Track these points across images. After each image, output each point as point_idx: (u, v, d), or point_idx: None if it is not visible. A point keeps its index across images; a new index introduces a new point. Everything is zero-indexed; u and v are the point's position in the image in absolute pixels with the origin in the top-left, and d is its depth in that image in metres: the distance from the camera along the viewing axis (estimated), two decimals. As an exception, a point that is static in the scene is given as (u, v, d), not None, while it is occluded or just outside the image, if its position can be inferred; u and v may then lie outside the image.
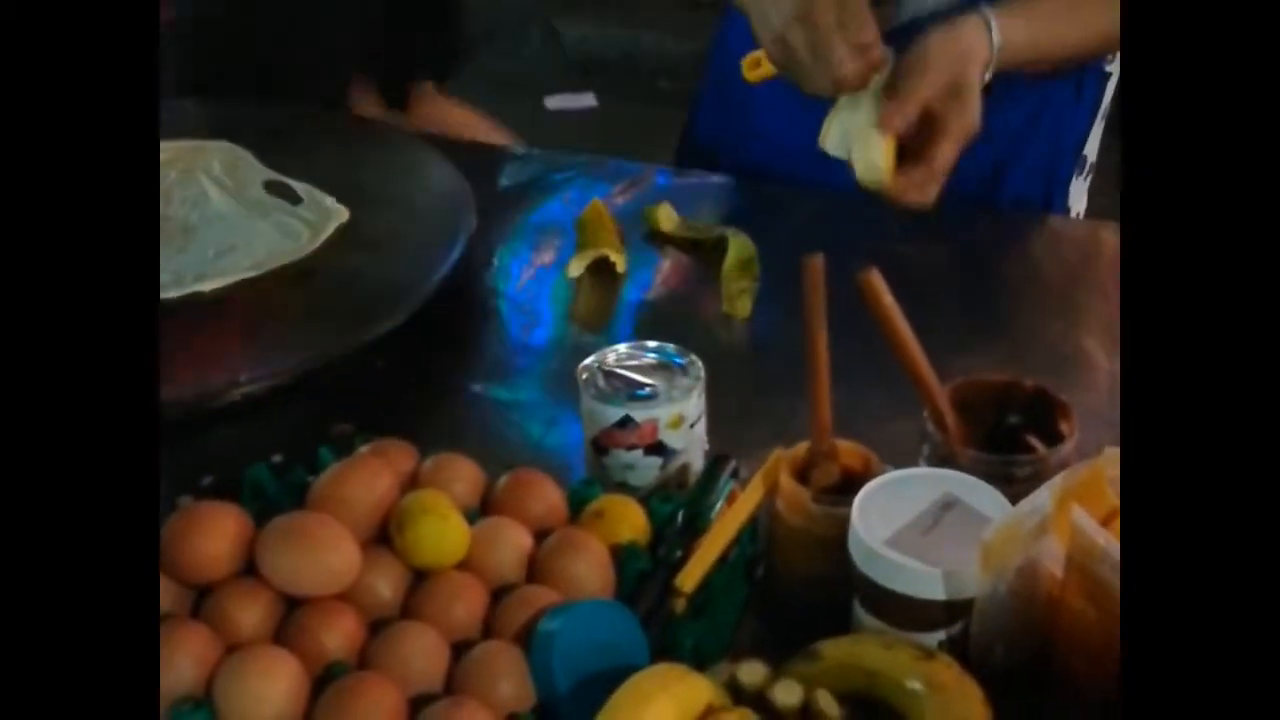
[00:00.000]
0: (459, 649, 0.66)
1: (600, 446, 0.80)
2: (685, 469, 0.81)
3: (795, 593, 0.73)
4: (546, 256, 1.10)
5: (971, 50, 0.97)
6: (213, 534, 0.66)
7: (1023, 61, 1.01)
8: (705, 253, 1.10)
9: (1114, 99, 1.17)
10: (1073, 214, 1.21)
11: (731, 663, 0.65)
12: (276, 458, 0.84)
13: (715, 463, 0.78)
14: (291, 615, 0.65)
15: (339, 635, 0.64)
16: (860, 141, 0.96)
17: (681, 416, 0.79)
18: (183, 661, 0.61)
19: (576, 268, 1.07)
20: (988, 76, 0.98)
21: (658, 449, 0.79)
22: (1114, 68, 1.16)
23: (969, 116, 0.96)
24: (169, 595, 0.66)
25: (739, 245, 1.08)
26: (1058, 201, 1.20)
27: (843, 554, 0.67)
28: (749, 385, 0.94)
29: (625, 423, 0.78)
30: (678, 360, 0.81)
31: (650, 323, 1.04)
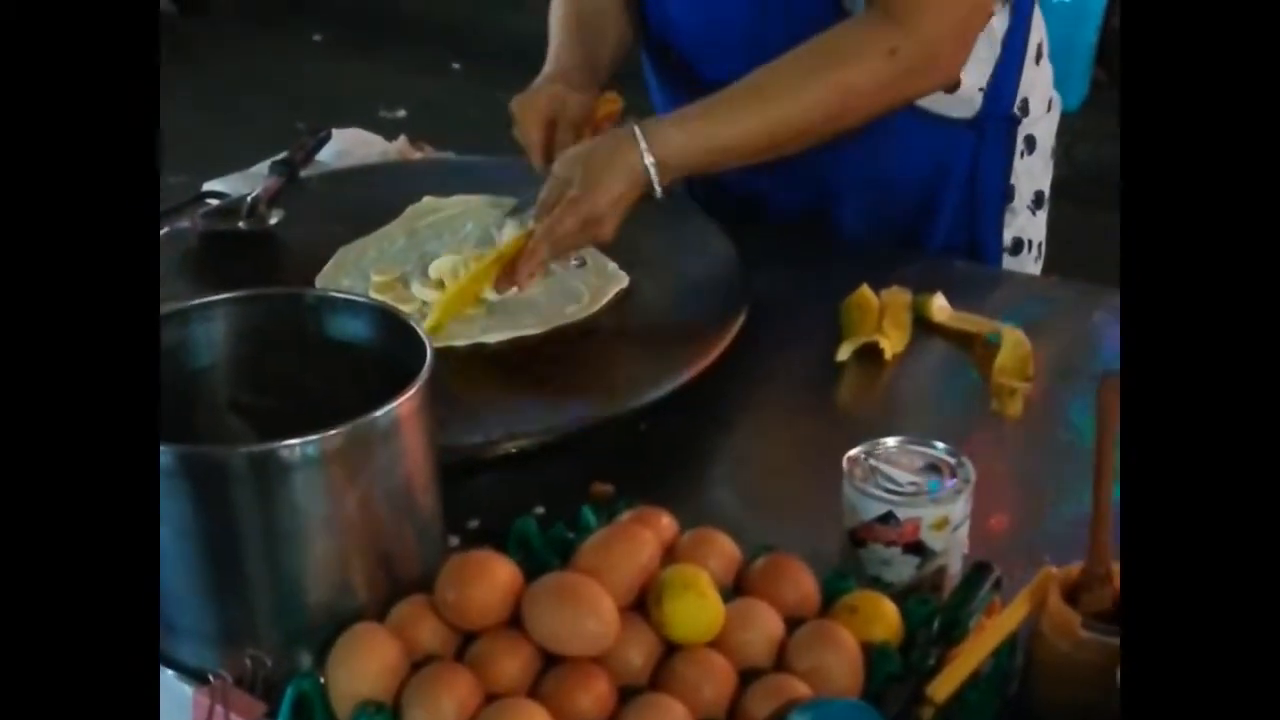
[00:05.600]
0: (704, 728, 0.66)
1: (857, 539, 0.79)
2: (942, 571, 0.79)
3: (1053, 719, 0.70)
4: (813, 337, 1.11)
5: (613, 166, 1.04)
6: (487, 583, 0.69)
7: (694, 167, 1.08)
8: (977, 347, 1.08)
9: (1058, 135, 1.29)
10: (1034, 245, 1.31)
11: (980, 783, 0.63)
12: (539, 510, 0.87)
13: (977, 570, 0.76)
14: (549, 672, 0.68)
15: (592, 698, 0.66)
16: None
17: (947, 519, 0.77)
18: (448, 705, 0.65)
19: (844, 353, 1.07)
20: (659, 188, 1.05)
21: (917, 548, 0.78)
22: (1033, 110, 1.24)
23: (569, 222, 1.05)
24: (438, 637, 0.70)
25: (1014, 342, 1.05)
26: (990, 238, 1.27)
27: (1111, 685, 0.64)
28: (1014, 489, 0.91)
29: (887, 519, 0.77)
30: (949, 460, 0.80)
31: (914, 414, 1.03)
